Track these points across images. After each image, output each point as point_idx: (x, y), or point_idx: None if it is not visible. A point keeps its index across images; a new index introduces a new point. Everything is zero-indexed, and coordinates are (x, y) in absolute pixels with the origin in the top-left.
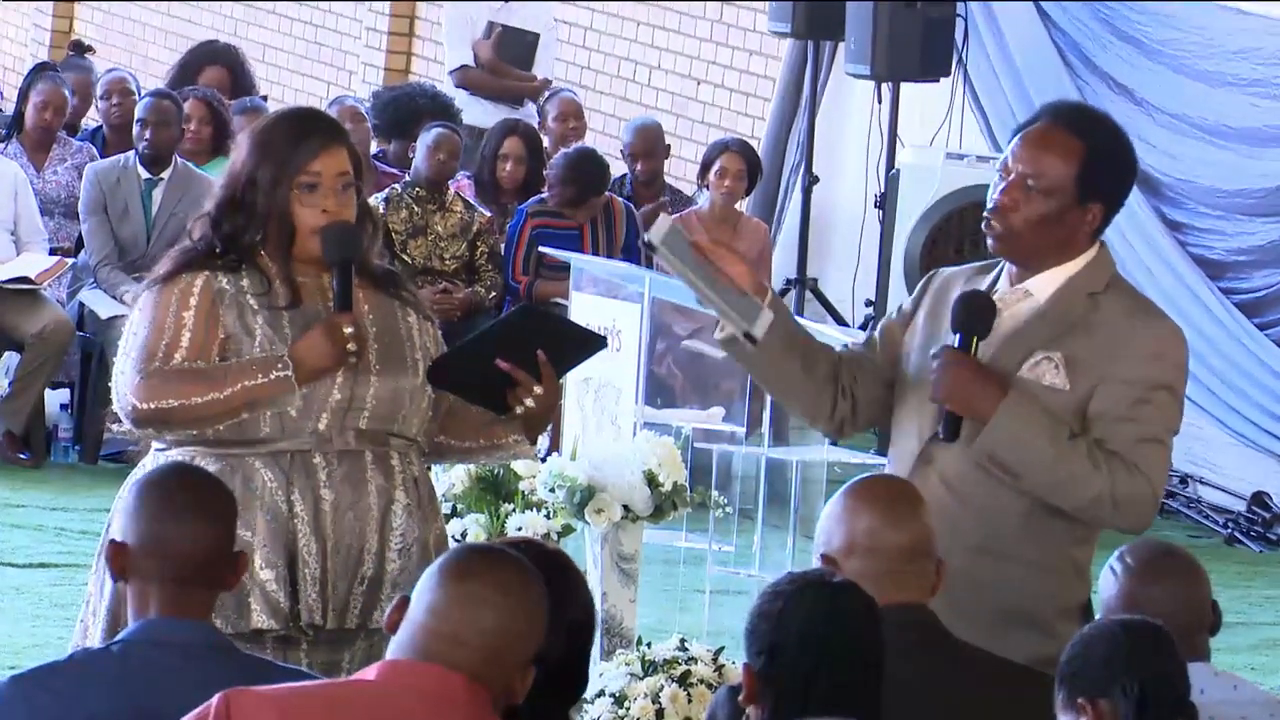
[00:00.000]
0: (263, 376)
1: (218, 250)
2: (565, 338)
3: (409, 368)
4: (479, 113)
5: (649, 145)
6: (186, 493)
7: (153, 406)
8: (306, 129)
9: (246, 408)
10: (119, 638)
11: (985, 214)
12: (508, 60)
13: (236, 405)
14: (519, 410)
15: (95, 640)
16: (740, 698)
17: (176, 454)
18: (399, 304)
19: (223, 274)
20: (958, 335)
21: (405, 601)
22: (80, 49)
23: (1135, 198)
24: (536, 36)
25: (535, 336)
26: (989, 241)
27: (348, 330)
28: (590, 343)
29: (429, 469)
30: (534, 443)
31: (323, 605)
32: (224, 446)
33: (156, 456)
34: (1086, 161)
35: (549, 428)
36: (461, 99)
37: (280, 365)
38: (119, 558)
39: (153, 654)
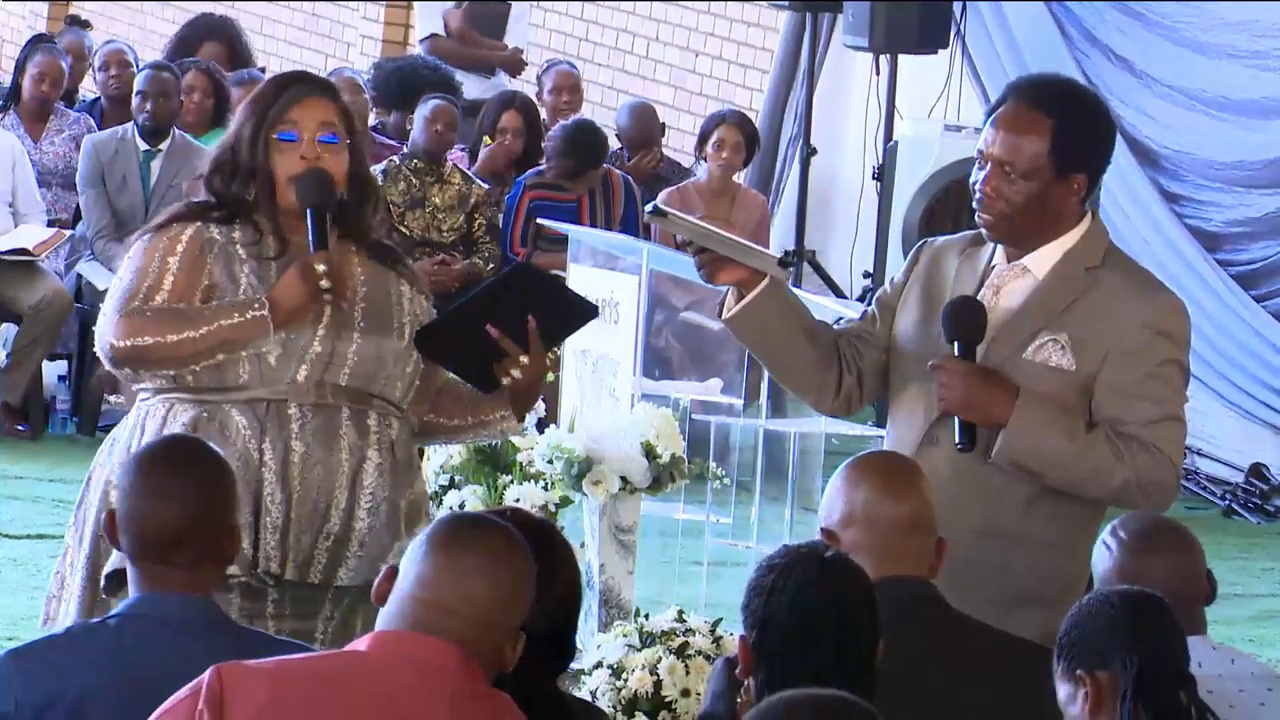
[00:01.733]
0: (239, 316)
1: (213, 204)
2: (559, 303)
3: (394, 330)
4: None
5: (644, 133)
6: (163, 472)
7: (129, 344)
8: (289, 82)
9: (222, 347)
10: (116, 611)
11: (974, 205)
12: (478, 29)
13: (212, 344)
14: (505, 382)
15: (73, 591)
16: (737, 671)
17: (158, 401)
18: (395, 274)
19: (215, 225)
20: (955, 344)
21: (394, 572)
22: (76, 24)
23: (1133, 169)
24: (508, 6)
25: (529, 299)
26: (984, 231)
27: (320, 268)
28: (582, 311)
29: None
30: (521, 419)
31: (282, 555)
32: (202, 393)
33: (140, 408)
34: (1058, 136)
35: (537, 405)
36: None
37: (257, 305)
38: (111, 527)
39: (148, 629)
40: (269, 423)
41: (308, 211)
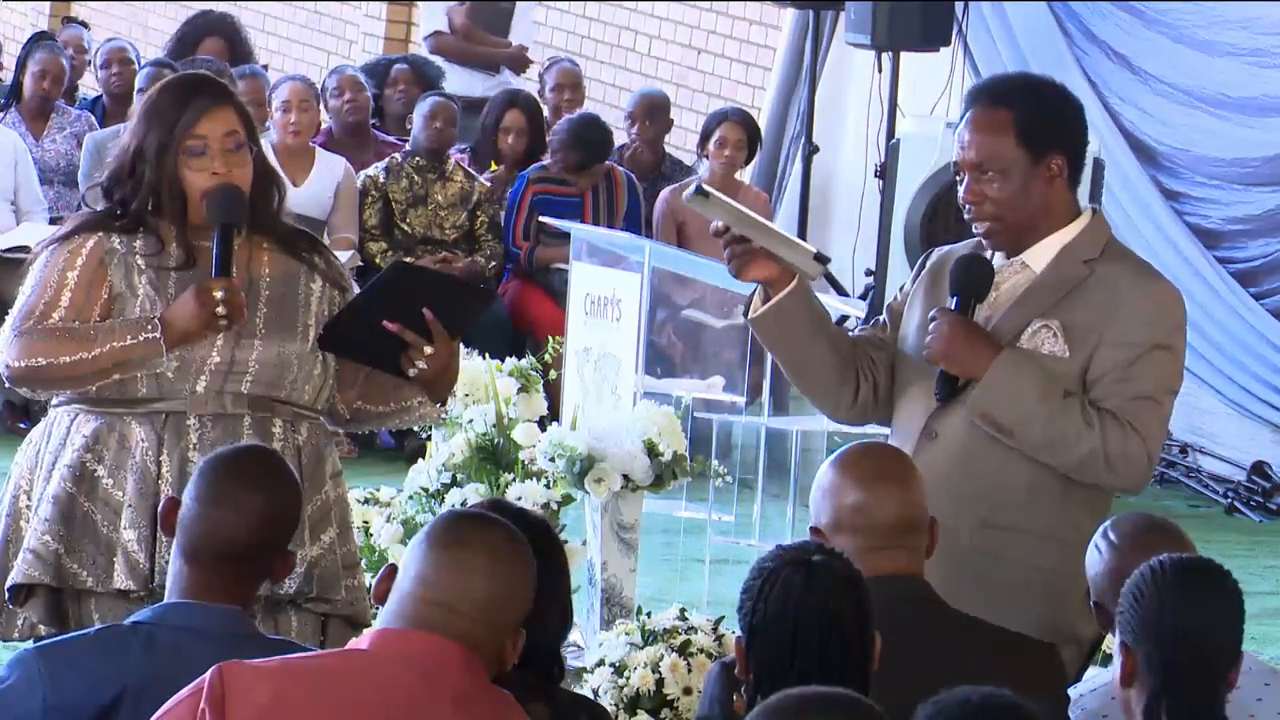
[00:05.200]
0: (131, 338)
1: (118, 213)
2: (449, 294)
3: (298, 333)
4: (455, 80)
5: (653, 111)
6: (238, 486)
7: (24, 365)
8: (190, 93)
9: (116, 368)
10: (147, 618)
11: (966, 217)
12: (482, 26)
13: (105, 365)
14: (411, 373)
15: None
16: (736, 671)
17: (64, 411)
18: (306, 269)
19: (117, 235)
20: (954, 298)
21: (393, 570)
22: (74, 22)
23: (1132, 167)
24: (512, 3)
25: (418, 294)
26: (983, 240)
27: (218, 294)
28: (477, 298)
29: (334, 437)
30: (440, 403)
31: None
32: (105, 405)
33: (51, 414)
34: (1020, 123)
35: (453, 387)
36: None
37: (150, 327)
38: (170, 515)
39: (179, 639)
40: (167, 435)
41: (216, 229)
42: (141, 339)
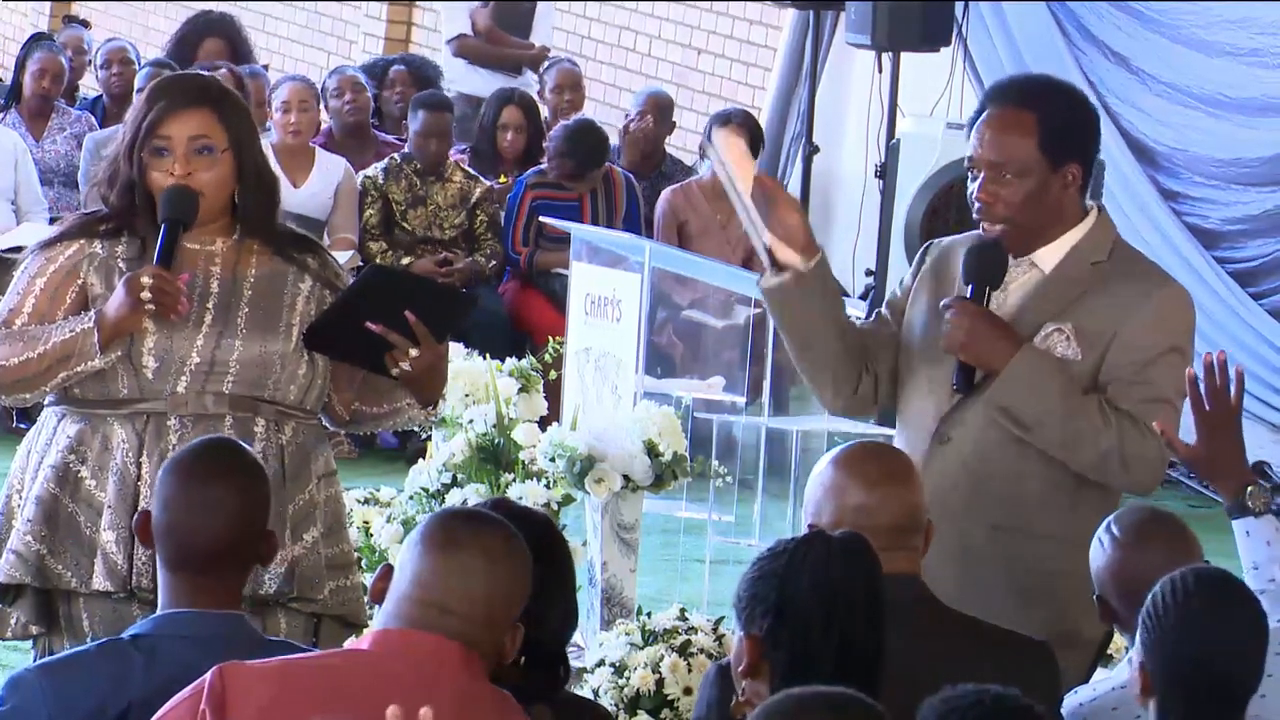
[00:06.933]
0: (69, 332)
1: (107, 215)
2: (429, 298)
3: (280, 332)
4: (477, 82)
5: (658, 111)
6: (207, 484)
7: None
8: (162, 93)
9: (59, 364)
10: (147, 629)
11: (975, 215)
12: (505, 28)
13: (50, 363)
14: (394, 373)
15: None
16: (740, 669)
17: (51, 412)
18: (295, 269)
19: (101, 240)
20: (970, 286)
21: (390, 569)
22: (75, 22)
23: (1131, 167)
24: (534, 4)
25: (398, 297)
26: (984, 234)
27: (145, 281)
28: (459, 301)
29: (332, 438)
30: (429, 404)
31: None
32: (88, 406)
33: (45, 414)
34: (1042, 128)
35: (442, 390)
36: (459, 68)
37: (86, 320)
38: (145, 528)
39: (183, 650)
40: (147, 436)
41: (163, 224)
42: (79, 330)
